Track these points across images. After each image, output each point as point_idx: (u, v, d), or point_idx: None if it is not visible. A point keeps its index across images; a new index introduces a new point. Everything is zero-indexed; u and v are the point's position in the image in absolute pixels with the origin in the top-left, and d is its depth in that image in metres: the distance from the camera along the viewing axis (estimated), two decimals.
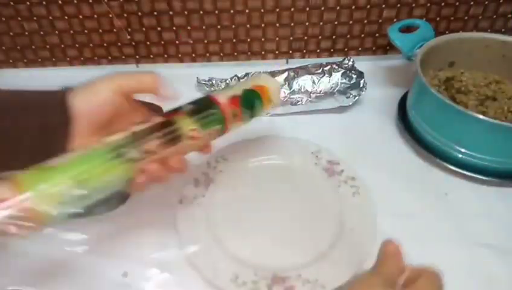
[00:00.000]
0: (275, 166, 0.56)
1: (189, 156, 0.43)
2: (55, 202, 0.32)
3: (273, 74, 0.64)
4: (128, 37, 0.70)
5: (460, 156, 0.53)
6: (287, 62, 0.74)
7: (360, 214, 0.50)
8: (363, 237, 0.47)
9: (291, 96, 0.62)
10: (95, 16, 0.67)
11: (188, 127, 0.40)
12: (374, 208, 0.50)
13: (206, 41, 0.71)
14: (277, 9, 0.67)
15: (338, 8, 0.67)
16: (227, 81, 0.66)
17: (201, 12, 0.67)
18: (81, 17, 0.67)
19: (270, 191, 0.53)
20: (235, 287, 0.42)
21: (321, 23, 0.69)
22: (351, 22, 0.70)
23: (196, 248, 0.46)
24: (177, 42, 0.71)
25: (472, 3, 0.68)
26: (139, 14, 0.67)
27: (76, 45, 0.71)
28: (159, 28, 0.69)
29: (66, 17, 0.67)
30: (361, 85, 0.63)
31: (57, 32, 0.69)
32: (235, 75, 0.66)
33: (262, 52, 0.73)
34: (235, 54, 0.73)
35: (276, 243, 0.47)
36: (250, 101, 0.45)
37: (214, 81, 0.67)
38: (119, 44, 0.71)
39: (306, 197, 0.52)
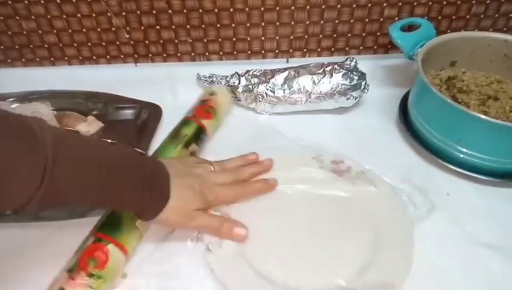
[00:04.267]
0: (282, 188, 0.52)
1: None
2: None
3: (273, 72, 0.63)
4: (127, 36, 0.69)
5: (461, 156, 0.53)
6: (287, 61, 0.74)
7: (387, 202, 0.49)
8: (401, 228, 0.46)
9: (291, 96, 0.62)
10: (94, 14, 0.67)
11: None
12: (395, 194, 0.50)
13: (205, 40, 0.70)
14: (277, 8, 0.67)
15: (339, 6, 0.67)
16: (228, 78, 0.65)
17: (200, 10, 0.67)
18: (79, 16, 0.67)
19: (289, 214, 0.50)
20: None
21: (322, 22, 0.69)
22: (352, 21, 0.69)
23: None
24: (176, 41, 0.70)
25: (474, 2, 0.67)
26: (138, 12, 0.66)
27: (75, 44, 0.70)
28: (157, 27, 0.68)
29: (65, 16, 0.67)
30: (362, 87, 0.62)
31: (55, 31, 0.68)
32: (236, 72, 0.65)
33: (262, 51, 0.72)
34: (235, 52, 0.72)
35: (321, 261, 0.45)
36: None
37: (214, 78, 0.66)
38: (117, 43, 0.70)
39: (328, 208, 0.50)
